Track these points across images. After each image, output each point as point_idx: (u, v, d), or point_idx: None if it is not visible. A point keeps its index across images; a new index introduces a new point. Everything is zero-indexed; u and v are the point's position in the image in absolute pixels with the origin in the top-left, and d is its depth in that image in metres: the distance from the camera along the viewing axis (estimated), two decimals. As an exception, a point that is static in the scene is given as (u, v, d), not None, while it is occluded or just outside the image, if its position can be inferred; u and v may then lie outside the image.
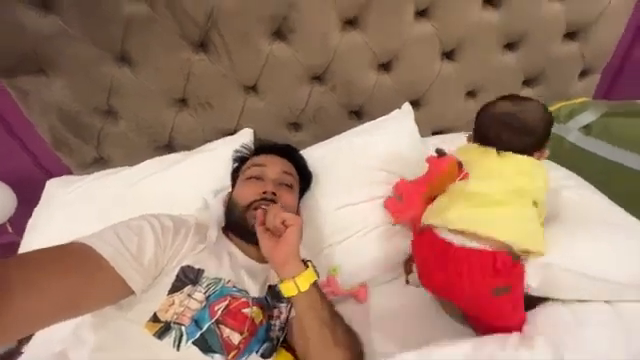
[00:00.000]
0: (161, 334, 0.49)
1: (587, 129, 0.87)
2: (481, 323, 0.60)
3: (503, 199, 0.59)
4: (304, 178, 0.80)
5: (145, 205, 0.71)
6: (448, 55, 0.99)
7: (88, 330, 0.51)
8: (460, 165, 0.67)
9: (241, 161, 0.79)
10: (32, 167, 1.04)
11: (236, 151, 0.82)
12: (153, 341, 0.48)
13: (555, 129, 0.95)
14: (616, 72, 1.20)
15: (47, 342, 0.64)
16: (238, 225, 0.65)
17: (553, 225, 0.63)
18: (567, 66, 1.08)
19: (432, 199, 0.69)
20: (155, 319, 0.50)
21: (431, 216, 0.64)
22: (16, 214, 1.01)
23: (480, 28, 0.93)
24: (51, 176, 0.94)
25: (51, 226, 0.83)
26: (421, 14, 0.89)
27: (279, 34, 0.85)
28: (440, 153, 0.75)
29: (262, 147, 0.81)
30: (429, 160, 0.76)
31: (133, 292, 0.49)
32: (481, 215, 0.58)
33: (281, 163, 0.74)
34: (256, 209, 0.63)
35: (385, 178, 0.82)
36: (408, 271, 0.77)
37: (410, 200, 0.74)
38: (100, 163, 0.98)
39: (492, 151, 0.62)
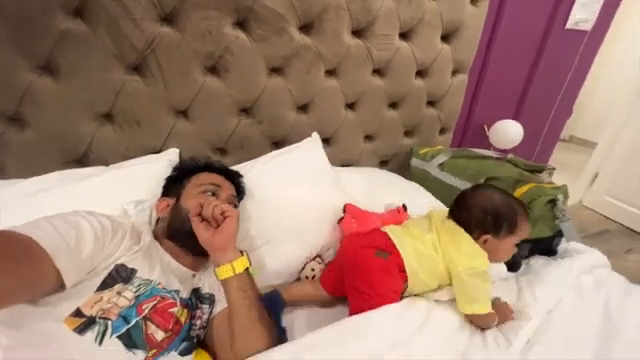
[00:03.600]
0: (82, 329, 0.49)
1: (442, 166, 1.22)
2: (357, 289, 0.71)
3: (418, 235, 0.75)
4: (240, 199, 0.90)
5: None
6: (350, 106, 1.25)
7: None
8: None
9: (183, 172, 0.83)
10: None
11: (185, 162, 0.87)
12: (72, 336, 0.48)
13: (423, 166, 1.29)
14: (463, 131, 1.71)
15: None
16: (188, 233, 0.66)
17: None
18: (431, 124, 1.46)
19: None
20: (77, 314, 0.49)
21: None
22: None
23: (371, 89, 1.22)
24: None
25: None
26: (330, 73, 1.14)
27: (213, 70, 0.97)
28: (405, 208, 0.97)
29: (215, 167, 0.86)
30: (395, 210, 0.96)
31: (63, 286, 0.48)
32: (400, 234, 0.76)
33: (231, 187, 0.83)
34: None
35: (299, 189, 0.95)
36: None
37: (365, 226, 0.86)
38: (-15, 173, 0.87)
39: (445, 215, 0.77)
